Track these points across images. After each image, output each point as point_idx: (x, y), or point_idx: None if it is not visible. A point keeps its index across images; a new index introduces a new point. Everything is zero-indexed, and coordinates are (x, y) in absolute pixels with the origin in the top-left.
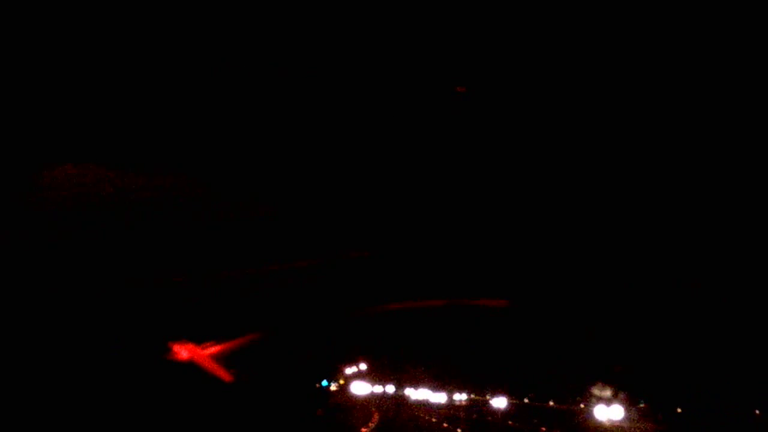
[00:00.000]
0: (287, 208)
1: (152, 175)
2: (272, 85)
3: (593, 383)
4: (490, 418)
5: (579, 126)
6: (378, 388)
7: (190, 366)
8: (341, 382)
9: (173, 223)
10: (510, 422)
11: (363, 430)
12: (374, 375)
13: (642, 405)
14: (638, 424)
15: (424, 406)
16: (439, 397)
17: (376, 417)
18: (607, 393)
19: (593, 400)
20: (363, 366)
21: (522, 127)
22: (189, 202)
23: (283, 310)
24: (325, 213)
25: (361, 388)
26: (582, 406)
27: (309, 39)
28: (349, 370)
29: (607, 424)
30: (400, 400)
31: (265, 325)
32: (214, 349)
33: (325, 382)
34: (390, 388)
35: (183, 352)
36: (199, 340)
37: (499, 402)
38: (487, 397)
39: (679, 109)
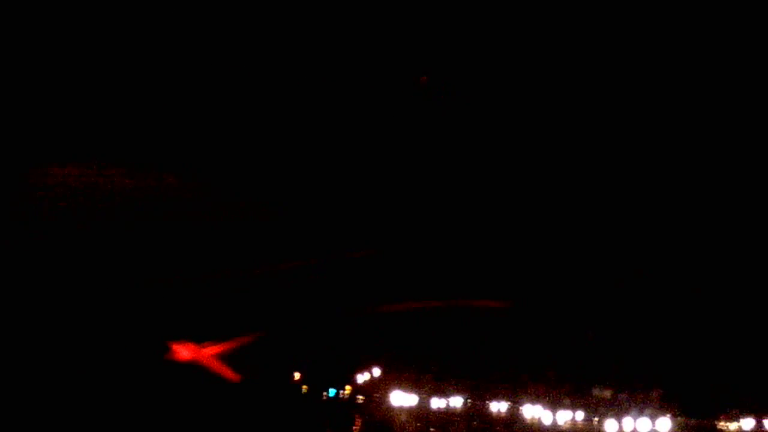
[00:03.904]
0: (287, 207)
1: (152, 175)
2: (272, 86)
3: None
4: None
5: (581, 126)
6: (439, 402)
7: (192, 366)
8: (348, 389)
9: (173, 222)
10: None
11: None
12: (424, 382)
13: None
14: None
15: None
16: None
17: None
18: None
19: None
20: (376, 371)
21: (523, 128)
22: (189, 202)
23: (283, 310)
24: (325, 213)
25: (403, 400)
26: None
27: (307, 40)
28: (369, 376)
29: None
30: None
31: (265, 324)
32: (215, 349)
33: (332, 392)
34: (456, 401)
35: (184, 352)
36: (199, 339)
37: None
38: None
39: (674, 107)
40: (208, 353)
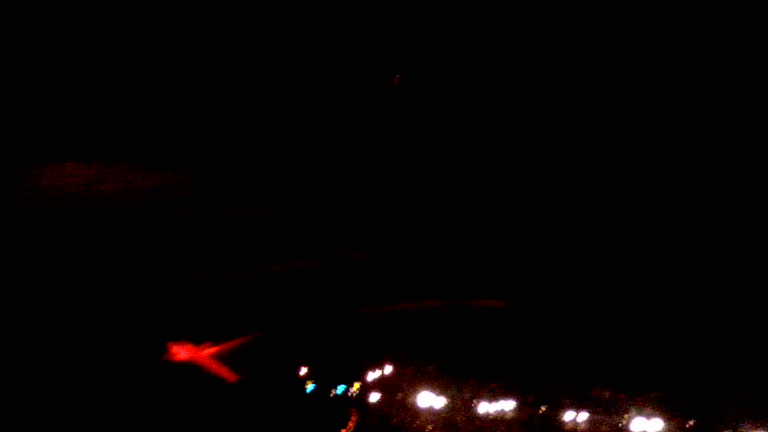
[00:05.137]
0: (287, 208)
1: (152, 174)
2: (273, 87)
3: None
4: None
5: (579, 125)
6: (488, 406)
7: (189, 367)
8: (356, 386)
9: (173, 222)
10: None
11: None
12: (456, 380)
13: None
14: None
15: None
16: None
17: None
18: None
19: None
20: (388, 369)
21: (521, 128)
22: (189, 202)
23: (283, 310)
24: (325, 213)
25: (432, 402)
26: None
27: (309, 41)
28: (380, 374)
29: None
30: None
31: (265, 325)
32: (213, 350)
33: (341, 389)
34: (507, 404)
35: (182, 352)
36: (198, 340)
37: None
38: None
39: (673, 105)
40: (206, 354)
